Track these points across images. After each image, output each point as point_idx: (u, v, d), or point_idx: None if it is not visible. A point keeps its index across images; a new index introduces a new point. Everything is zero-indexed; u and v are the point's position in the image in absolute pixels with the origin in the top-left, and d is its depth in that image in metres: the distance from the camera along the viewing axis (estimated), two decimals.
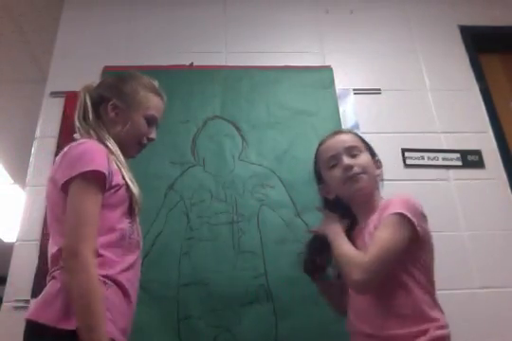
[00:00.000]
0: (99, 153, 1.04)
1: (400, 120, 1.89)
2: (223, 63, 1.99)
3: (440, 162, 1.81)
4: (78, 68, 1.90)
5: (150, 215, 1.46)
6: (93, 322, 0.90)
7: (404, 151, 1.82)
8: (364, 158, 1.17)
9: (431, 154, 1.81)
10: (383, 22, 2.16)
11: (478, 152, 1.84)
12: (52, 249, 1.05)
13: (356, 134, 1.27)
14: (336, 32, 2.12)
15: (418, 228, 1.04)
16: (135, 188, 1.09)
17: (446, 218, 1.69)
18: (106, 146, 1.10)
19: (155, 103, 1.23)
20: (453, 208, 1.73)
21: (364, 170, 1.15)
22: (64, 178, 1.01)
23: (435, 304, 1.06)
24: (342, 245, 1.09)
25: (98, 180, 1.01)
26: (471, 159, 1.83)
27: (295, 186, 1.67)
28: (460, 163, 1.82)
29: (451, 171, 1.81)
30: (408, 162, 1.80)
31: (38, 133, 1.81)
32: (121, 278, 1.01)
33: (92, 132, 1.13)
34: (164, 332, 1.40)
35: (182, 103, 1.83)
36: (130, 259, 1.06)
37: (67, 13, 2.10)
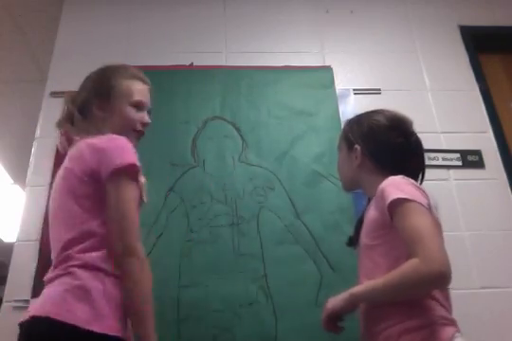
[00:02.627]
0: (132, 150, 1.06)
1: None
2: (223, 63, 1.99)
3: (440, 162, 1.81)
4: (78, 68, 1.87)
5: (150, 217, 1.46)
6: (149, 331, 0.90)
7: None
8: None
9: (431, 154, 1.81)
10: (383, 22, 2.16)
11: (478, 152, 1.85)
12: (60, 242, 1.01)
13: None
14: (336, 32, 2.12)
15: (427, 206, 0.99)
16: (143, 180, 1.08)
17: (446, 218, 1.68)
18: None
19: (138, 88, 1.22)
20: (453, 208, 1.73)
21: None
22: (111, 167, 0.99)
23: None
24: (373, 285, 0.99)
25: (136, 174, 1.02)
26: (471, 159, 1.83)
27: (295, 187, 1.67)
28: (460, 163, 1.82)
29: (451, 171, 1.81)
30: None
31: (38, 133, 1.81)
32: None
33: (92, 129, 1.13)
34: (164, 333, 1.40)
35: (182, 104, 1.84)
36: None
37: (67, 13, 2.10)
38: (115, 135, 1.07)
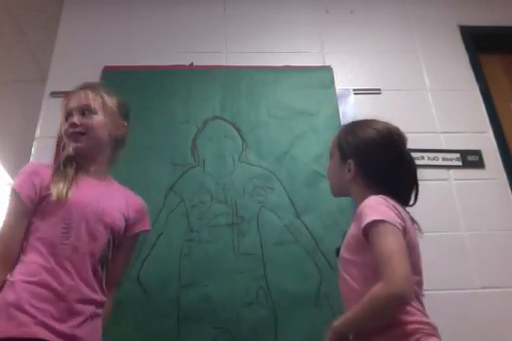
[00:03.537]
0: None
1: (400, 120, 1.87)
2: (223, 63, 1.99)
3: (440, 162, 1.81)
4: (78, 68, 1.90)
5: (150, 217, 1.45)
6: None
7: None
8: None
9: (431, 154, 1.81)
10: (383, 22, 2.16)
11: (478, 152, 1.84)
12: None
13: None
14: (336, 32, 2.12)
15: (400, 227, 1.00)
16: (59, 194, 1.12)
17: (446, 218, 1.69)
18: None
19: (69, 100, 1.27)
20: (453, 208, 1.73)
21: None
22: None
23: None
24: (347, 315, 1.00)
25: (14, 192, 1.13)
26: (471, 159, 1.83)
27: (295, 187, 1.67)
28: (460, 163, 1.82)
29: (451, 171, 1.81)
30: None
31: (38, 133, 1.81)
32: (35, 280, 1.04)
33: None
34: (165, 333, 1.40)
35: (182, 104, 1.84)
36: (50, 261, 1.08)
37: (67, 13, 2.10)
38: None
